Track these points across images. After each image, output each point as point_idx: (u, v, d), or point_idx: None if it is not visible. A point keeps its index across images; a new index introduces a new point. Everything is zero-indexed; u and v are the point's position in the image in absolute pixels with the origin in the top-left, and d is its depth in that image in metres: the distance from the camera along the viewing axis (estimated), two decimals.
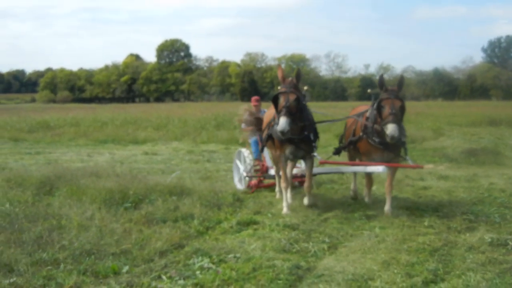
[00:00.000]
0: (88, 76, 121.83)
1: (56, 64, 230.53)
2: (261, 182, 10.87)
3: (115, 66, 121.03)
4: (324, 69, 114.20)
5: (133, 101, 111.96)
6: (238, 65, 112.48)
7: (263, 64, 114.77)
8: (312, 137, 8.66)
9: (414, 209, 8.90)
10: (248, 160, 10.90)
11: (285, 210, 8.64)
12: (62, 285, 5.26)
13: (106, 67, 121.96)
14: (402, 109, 8.15)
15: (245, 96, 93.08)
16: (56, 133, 25.33)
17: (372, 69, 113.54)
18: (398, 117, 8.04)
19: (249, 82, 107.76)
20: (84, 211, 7.83)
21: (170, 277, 5.56)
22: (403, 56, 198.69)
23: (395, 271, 5.74)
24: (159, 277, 5.58)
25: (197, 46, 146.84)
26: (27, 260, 5.79)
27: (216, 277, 5.51)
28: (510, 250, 6.55)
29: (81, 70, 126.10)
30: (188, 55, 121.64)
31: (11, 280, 5.20)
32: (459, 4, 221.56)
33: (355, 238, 7.15)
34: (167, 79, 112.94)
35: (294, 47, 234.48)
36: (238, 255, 6.28)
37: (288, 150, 8.72)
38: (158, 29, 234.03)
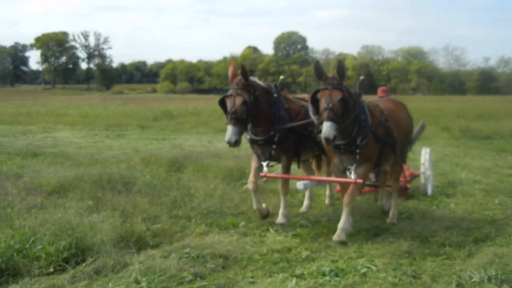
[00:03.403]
0: (207, 67, 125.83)
1: (174, 55, 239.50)
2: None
3: (234, 58, 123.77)
4: (441, 62, 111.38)
5: None
6: (354, 58, 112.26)
7: (379, 57, 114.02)
8: (277, 138, 7.26)
9: (491, 191, 9.81)
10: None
11: (258, 207, 7.53)
12: (194, 231, 6.87)
13: (225, 59, 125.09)
14: (344, 103, 6.38)
15: (361, 88, 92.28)
16: (178, 122, 26.94)
17: (492, 62, 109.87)
18: (337, 113, 6.27)
19: (366, 75, 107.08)
20: (208, 184, 9.40)
21: (276, 230, 7.07)
22: None
23: (454, 232, 6.91)
24: (267, 229, 7.11)
25: (312, 38, 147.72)
26: (166, 215, 7.50)
27: (311, 232, 7.02)
28: None
29: (200, 61, 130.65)
30: (305, 47, 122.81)
31: (158, 226, 6.93)
32: None
33: (429, 211, 8.41)
34: (284, 71, 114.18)
35: (412, 40, 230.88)
36: (331, 218, 7.76)
37: (258, 151, 7.59)
38: (273, 21, 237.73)
